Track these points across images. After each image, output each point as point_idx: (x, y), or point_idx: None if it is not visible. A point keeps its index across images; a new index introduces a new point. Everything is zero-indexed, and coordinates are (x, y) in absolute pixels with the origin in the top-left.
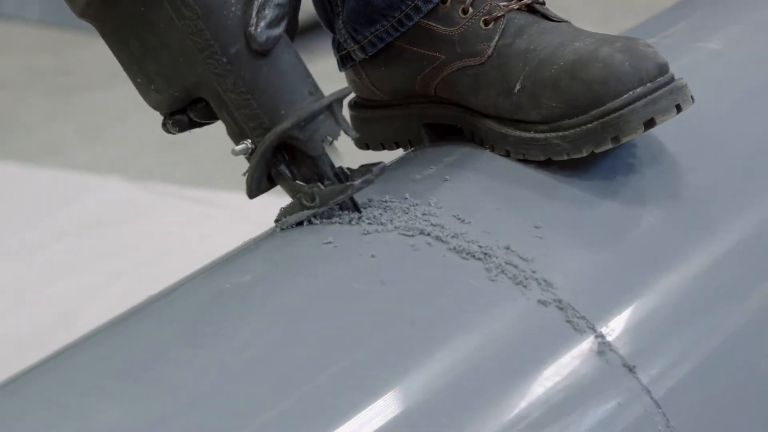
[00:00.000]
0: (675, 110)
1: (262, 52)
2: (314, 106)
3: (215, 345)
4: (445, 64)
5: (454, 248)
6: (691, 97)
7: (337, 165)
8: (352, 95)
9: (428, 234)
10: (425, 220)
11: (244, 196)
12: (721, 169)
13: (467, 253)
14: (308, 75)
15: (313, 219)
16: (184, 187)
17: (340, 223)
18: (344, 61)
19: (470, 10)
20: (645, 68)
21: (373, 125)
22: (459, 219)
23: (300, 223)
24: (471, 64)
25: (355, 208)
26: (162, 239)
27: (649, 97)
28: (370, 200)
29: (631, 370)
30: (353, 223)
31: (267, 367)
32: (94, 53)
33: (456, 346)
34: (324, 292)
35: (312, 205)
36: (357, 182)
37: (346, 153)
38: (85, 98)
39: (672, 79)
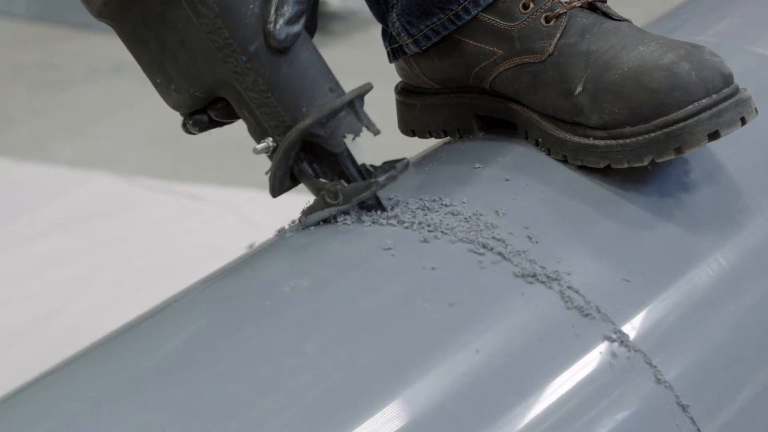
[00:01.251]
0: (740, 123)
1: (282, 49)
2: (335, 103)
3: (271, 357)
4: (503, 59)
5: (521, 273)
6: (755, 109)
7: (359, 162)
8: (399, 80)
9: (491, 249)
10: (488, 233)
11: (230, 190)
12: None
13: (532, 276)
14: (329, 71)
15: (339, 216)
16: (170, 181)
17: (398, 224)
18: (395, 53)
19: (531, 5)
20: (711, 79)
21: (421, 112)
22: (525, 236)
23: (331, 220)
24: (530, 61)
25: (379, 205)
26: (149, 233)
27: (715, 109)
28: (422, 200)
29: (684, 409)
30: (414, 228)
31: (329, 388)
32: (79, 48)
33: (519, 376)
34: (388, 308)
35: (335, 202)
36: (381, 179)
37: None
38: (71, 93)
39: (737, 91)
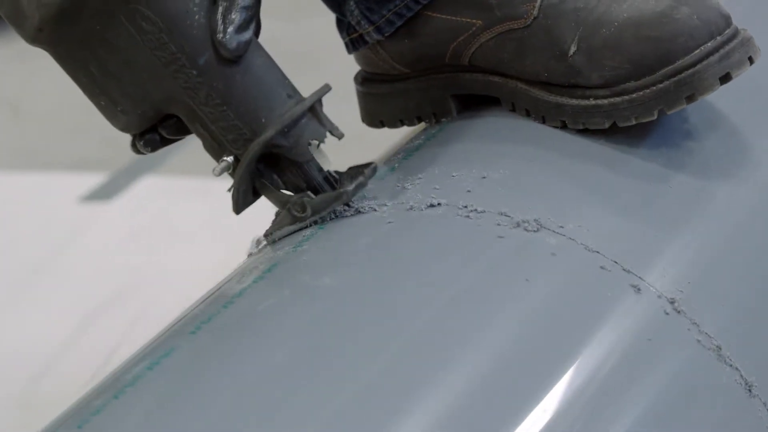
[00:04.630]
0: (748, 63)
1: (234, 59)
2: (296, 110)
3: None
4: (483, 29)
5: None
6: (758, 48)
7: (324, 169)
8: (359, 69)
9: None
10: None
11: None
12: None
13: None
14: (284, 77)
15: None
16: None
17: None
18: (355, 44)
19: None
20: (713, 21)
21: (389, 100)
22: (543, 208)
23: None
24: (514, 27)
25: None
26: None
27: (722, 51)
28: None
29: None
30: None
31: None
32: None
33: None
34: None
35: (303, 215)
36: (350, 188)
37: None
38: None
39: (737, 31)
